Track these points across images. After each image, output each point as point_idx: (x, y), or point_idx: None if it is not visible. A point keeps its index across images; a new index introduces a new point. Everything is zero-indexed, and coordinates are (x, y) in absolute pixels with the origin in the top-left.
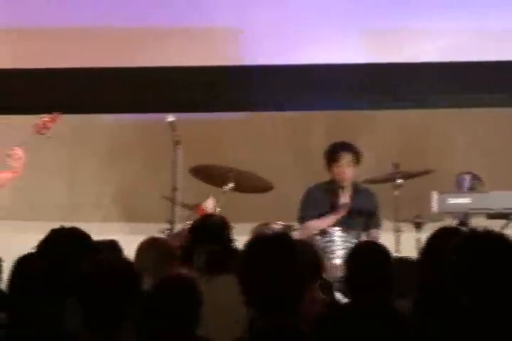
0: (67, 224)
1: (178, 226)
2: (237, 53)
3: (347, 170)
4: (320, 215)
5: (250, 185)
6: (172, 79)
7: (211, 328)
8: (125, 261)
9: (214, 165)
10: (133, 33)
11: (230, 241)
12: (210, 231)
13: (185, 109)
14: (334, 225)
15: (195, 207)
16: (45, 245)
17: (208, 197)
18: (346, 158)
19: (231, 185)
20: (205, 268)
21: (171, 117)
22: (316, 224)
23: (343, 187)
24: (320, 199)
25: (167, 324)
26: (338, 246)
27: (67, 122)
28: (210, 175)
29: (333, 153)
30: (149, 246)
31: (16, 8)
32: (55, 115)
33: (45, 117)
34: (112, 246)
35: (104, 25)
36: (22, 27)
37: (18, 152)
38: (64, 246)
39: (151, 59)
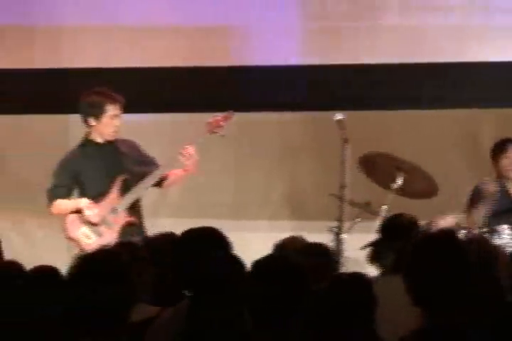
0: (235, 223)
1: (346, 225)
2: (401, 50)
3: None
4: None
5: (418, 185)
6: (347, 78)
7: (384, 328)
8: (293, 260)
9: (385, 154)
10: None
11: None
12: (399, 229)
13: (354, 107)
14: (503, 223)
15: (364, 205)
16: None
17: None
18: None
19: (400, 181)
20: (391, 267)
21: (339, 115)
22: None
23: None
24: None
25: (340, 323)
26: (508, 244)
27: (234, 121)
28: (378, 168)
29: (501, 145)
30: (286, 245)
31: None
32: (228, 113)
33: (218, 116)
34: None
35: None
36: (198, 24)
37: (190, 150)
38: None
39: (325, 56)
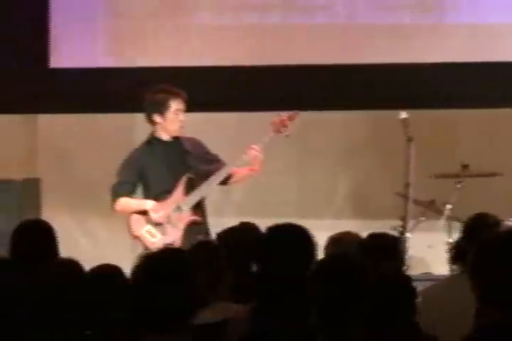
0: (299, 222)
1: (410, 223)
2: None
3: None
4: None
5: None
6: (412, 77)
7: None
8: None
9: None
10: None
11: None
12: (483, 229)
13: (418, 105)
14: None
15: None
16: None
17: None
18: None
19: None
20: None
21: (404, 114)
22: None
23: None
24: None
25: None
26: None
27: (297, 120)
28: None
29: None
30: (336, 241)
31: None
32: (293, 113)
33: (284, 115)
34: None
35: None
36: (265, 23)
37: (256, 149)
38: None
39: (395, 55)
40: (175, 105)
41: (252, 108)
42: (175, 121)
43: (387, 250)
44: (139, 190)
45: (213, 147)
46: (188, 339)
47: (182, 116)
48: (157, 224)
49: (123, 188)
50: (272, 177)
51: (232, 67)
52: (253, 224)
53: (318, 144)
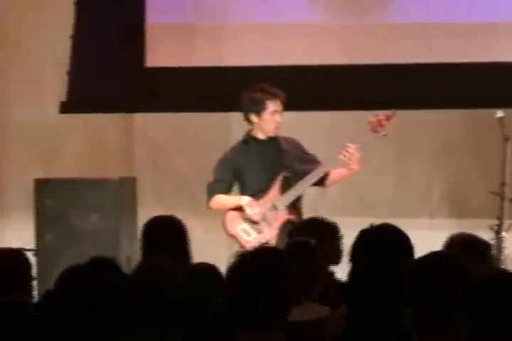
0: (395, 221)
1: (507, 223)
2: None
3: None
4: None
5: None
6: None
7: None
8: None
9: None
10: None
11: None
12: None
13: None
14: None
15: None
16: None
17: None
18: None
19: None
20: None
21: (500, 113)
22: None
23: None
24: None
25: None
26: None
27: (393, 119)
28: None
29: None
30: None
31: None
32: (391, 113)
33: (381, 115)
34: None
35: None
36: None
37: (352, 149)
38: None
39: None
40: (272, 106)
41: (347, 107)
42: (271, 121)
43: (477, 253)
44: (235, 190)
45: (308, 147)
46: (282, 337)
47: (278, 118)
48: (253, 223)
49: (219, 187)
50: (367, 177)
51: (327, 66)
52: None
53: (414, 143)
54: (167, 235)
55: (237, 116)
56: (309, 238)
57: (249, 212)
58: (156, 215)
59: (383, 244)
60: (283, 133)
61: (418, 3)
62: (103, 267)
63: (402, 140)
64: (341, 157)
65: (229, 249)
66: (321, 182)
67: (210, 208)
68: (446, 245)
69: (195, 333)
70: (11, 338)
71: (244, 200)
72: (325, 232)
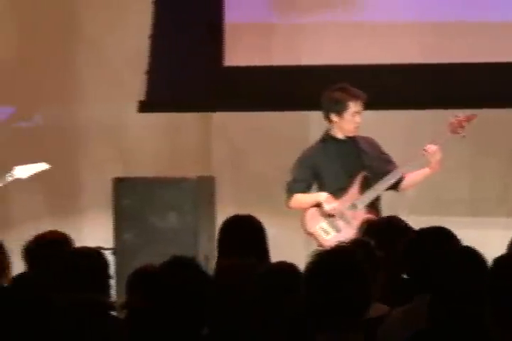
0: (472, 220)
1: None
2: None
3: None
4: None
5: None
6: None
7: None
8: None
9: None
10: None
11: None
12: None
13: None
14: None
15: None
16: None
17: None
18: None
19: None
20: None
21: None
22: None
23: None
24: None
25: None
26: None
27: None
28: None
29: None
30: None
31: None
32: (471, 115)
33: (461, 117)
34: None
35: None
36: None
37: (432, 149)
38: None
39: None
40: (353, 107)
41: (425, 106)
42: (351, 122)
43: None
44: (313, 190)
45: (386, 147)
46: (360, 336)
47: (359, 118)
48: (331, 221)
49: (297, 186)
50: (444, 176)
51: (406, 65)
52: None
53: (490, 143)
54: (246, 234)
55: (315, 116)
56: (368, 238)
57: (327, 207)
58: (234, 214)
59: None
60: (361, 133)
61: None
62: (184, 266)
63: (478, 139)
64: (421, 158)
65: (307, 248)
66: (395, 185)
67: (289, 208)
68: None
69: (274, 333)
70: (90, 338)
71: (323, 196)
72: (398, 233)
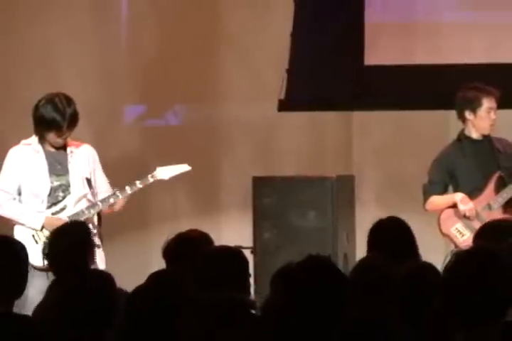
0: None
1: None
2: None
3: None
4: None
5: None
6: None
7: None
8: None
9: None
10: None
11: None
12: None
13: None
14: None
15: None
16: None
17: None
18: None
19: None
20: None
21: None
22: None
23: None
24: None
25: None
26: None
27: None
28: None
29: None
30: None
31: None
32: None
33: None
34: None
35: None
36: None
37: None
38: None
39: None
40: (487, 103)
41: None
42: (486, 119)
43: None
44: (450, 189)
45: None
46: (497, 334)
47: (493, 115)
48: (467, 222)
49: (433, 188)
50: None
51: None
52: None
53: None
54: (394, 235)
55: (455, 115)
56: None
57: (462, 207)
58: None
59: None
60: (493, 133)
61: None
62: (319, 265)
63: None
64: None
65: (446, 248)
66: None
67: (426, 210)
68: None
69: (418, 332)
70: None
71: (458, 196)
72: None
